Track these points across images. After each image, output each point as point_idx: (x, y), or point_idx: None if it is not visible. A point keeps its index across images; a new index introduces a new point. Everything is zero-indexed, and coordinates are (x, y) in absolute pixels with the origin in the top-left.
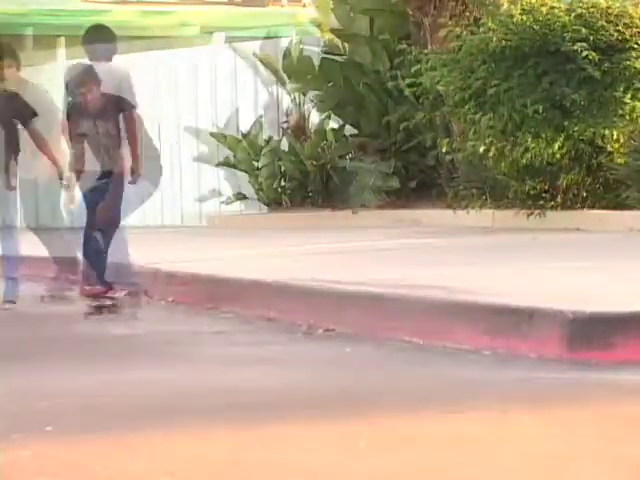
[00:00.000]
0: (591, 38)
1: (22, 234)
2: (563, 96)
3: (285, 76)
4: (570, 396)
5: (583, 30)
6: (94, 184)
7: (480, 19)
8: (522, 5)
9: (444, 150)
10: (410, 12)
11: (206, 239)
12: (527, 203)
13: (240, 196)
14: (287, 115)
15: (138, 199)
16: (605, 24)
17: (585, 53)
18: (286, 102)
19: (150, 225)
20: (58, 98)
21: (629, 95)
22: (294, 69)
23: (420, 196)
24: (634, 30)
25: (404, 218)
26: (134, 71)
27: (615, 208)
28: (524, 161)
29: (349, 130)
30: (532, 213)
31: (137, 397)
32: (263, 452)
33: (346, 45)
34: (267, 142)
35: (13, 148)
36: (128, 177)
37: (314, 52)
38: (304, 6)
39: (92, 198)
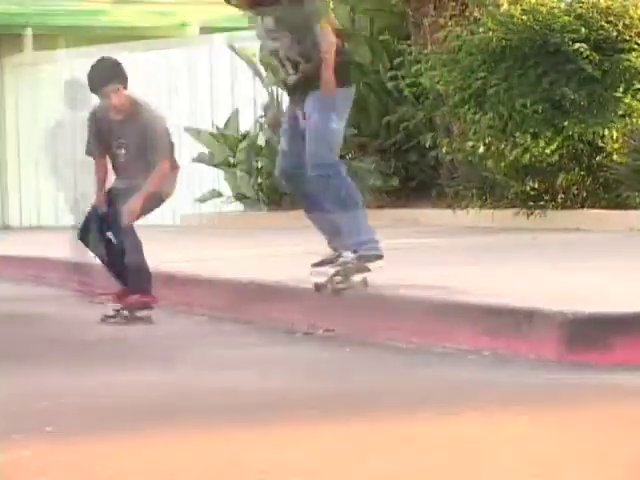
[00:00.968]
0: (591, 38)
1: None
2: (563, 96)
3: None
4: (569, 397)
5: (583, 30)
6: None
7: (480, 19)
8: (522, 5)
9: (444, 150)
10: (410, 12)
11: (206, 239)
12: (527, 203)
13: (240, 196)
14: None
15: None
16: (605, 24)
17: (585, 53)
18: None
19: (150, 225)
20: (58, 97)
21: (629, 95)
22: None
23: (420, 196)
24: (634, 30)
25: (404, 218)
26: (134, 71)
27: (615, 208)
28: (524, 161)
29: (349, 130)
30: (532, 213)
31: (137, 397)
32: (263, 452)
33: (346, 45)
34: (267, 142)
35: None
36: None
37: None
38: None
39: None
